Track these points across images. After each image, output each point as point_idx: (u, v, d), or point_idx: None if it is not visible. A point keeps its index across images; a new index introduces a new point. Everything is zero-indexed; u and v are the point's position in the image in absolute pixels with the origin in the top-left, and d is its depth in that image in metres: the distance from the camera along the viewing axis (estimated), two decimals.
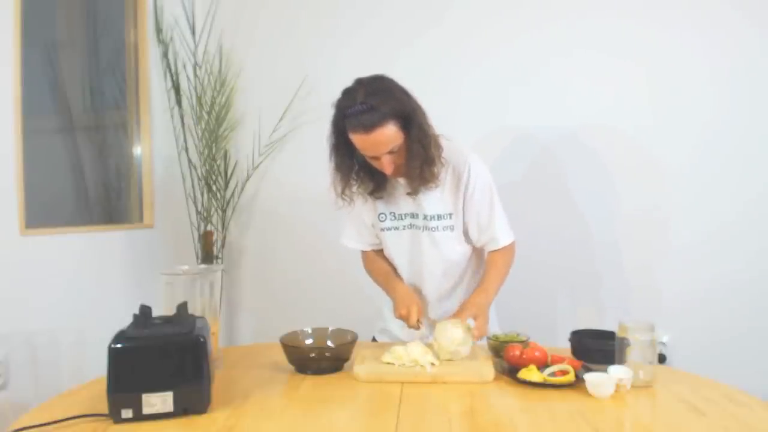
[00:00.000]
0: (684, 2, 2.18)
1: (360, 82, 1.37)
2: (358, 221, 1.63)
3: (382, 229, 1.59)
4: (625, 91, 2.25)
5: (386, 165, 1.39)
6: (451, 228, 1.53)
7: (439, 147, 1.44)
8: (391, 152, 1.37)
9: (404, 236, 1.57)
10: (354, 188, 1.50)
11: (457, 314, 1.45)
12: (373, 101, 1.31)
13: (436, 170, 1.43)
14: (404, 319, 1.47)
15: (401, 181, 1.52)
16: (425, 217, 1.53)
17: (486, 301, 1.51)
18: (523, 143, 2.36)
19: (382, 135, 1.33)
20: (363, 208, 1.59)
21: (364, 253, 1.70)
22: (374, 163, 1.42)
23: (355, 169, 1.48)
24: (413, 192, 1.48)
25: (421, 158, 1.40)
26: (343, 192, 1.49)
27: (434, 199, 1.51)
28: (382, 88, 1.36)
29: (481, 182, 1.51)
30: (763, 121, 2.14)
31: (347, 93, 1.37)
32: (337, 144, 1.44)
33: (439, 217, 1.52)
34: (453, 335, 1.33)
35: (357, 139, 1.35)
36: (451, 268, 1.59)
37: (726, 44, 2.15)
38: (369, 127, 1.31)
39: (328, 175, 1.50)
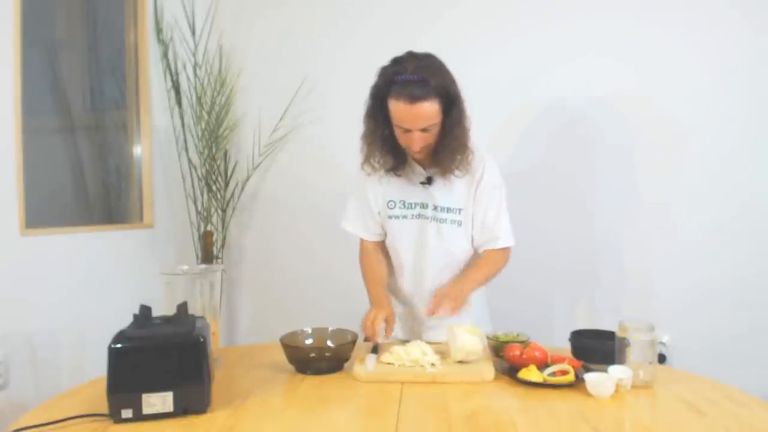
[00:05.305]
0: None
1: (412, 54, 1.38)
2: (364, 207, 1.61)
3: (390, 217, 1.58)
4: (628, 88, 2.24)
5: (416, 141, 1.38)
6: (459, 223, 1.53)
7: (470, 138, 1.46)
8: (424, 130, 1.37)
9: (412, 226, 1.56)
10: (377, 158, 1.49)
11: (434, 304, 1.42)
12: (423, 74, 1.32)
13: (462, 158, 1.45)
14: (364, 328, 1.46)
15: (417, 169, 1.52)
16: (435, 208, 1.53)
17: (460, 294, 1.45)
18: (524, 144, 2.36)
19: (424, 109, 1.33)
20: (372, 193, 1.58)
21: (363, 243, 1.67)
22: (403, 139, 1.42)
23: (381, 141, 1.47)
24: (432, 178, 1.49)
25: (456, 140, 1.41)
26: (367, 159, 1.50)
27: (447, 192, 1.52)
28: (433, 65, 1.37)
29: (493, 181, 1.52)
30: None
31: (398, 61, 1.37)
32: (373, 110, 1.44)
33: (449, 210, 1.53)
34: (466, 343, 1.32)
35: (398, 107, 1.35)
36: (453, 263, 1.58)
37: (734, 43, 2.15)
38: (415, 98, 1.32)
39: (356, 146, 1.51)
